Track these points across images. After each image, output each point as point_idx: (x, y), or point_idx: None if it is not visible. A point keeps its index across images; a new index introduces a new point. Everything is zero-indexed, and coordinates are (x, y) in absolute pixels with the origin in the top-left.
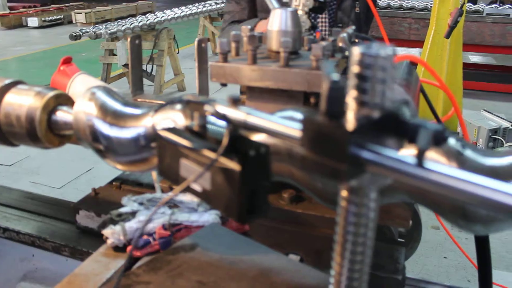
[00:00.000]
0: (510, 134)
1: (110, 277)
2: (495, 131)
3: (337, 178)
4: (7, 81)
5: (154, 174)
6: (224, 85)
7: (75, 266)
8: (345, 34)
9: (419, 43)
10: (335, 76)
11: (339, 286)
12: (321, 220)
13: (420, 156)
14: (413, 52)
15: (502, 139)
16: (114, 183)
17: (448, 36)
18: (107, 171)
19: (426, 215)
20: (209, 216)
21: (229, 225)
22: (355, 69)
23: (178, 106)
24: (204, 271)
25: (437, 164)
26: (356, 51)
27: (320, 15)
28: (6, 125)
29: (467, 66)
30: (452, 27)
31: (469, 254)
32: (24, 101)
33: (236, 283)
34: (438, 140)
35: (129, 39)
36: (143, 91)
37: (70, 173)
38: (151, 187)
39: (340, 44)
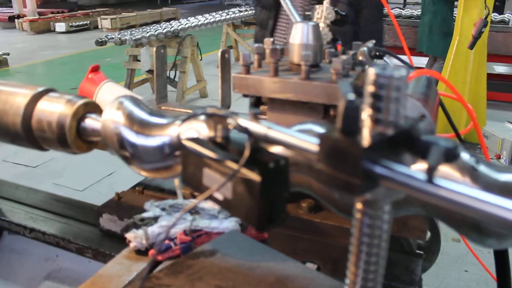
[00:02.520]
0: None
1: (132, 279)
2: None
3: (351, 192)
4: (39, 89)
5: (176, 181)
6: (246, 96)
7: (97, 267)
8: (365, 48)
9: None
10: (351, 96)
11: None
12: (339, 230)
13: (429, 172)
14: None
15: None
16: (137, 188)
17: (472, 47)
18: (128, 175)
19: (447, 227)
20: (229, 223)
21: (248, 232)
22: (370, 88)
23: (202, 117)
24: (223, 276)
25: (447, 180)
26: (371, 72)
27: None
28: (38, 131)
29: (491, 76)
30: (476, 38)
31: (490, 267)
32: (55, 108)
33: None
34: (449, 157)
35: (155, 49)
36: (167, 99)
37: (92, 176)
38: (173, 193)
39: (361, 58)
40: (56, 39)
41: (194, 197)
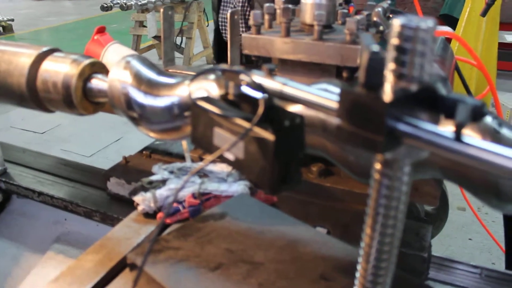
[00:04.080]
0: None
1: (140, 242)
2: None
3: (373, 149)
4: (44, 49)
5: (185, 144)
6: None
7: (106, 231)
8: (380, 9)
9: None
10: (375, 47)
11: (369, 258)
12: (349, 195)
13: (458, 130)
14: (446, 30)
15: None
16: (144, 152)
17: (484, 14)
18: (135, 141)
19: (452, 196)
20: (238, 187)
21: (258, 196)
22: (394, 41)
23: (212, 76)
24: (233, 239)
25: (475, 138)
26: (396, 23)
27: None
28: (43, 92)
29: (502, 46)
30: (489, 5)
31: (495, 236)
32: (60, 68)
33: (263, 252)
34: (477, 115)
35: (162, 10)
36: (174, 62)
37: (99, 142)
38: (180, 157)
39: (375, 19)
40: (61, 5)
41: (202, 160)
